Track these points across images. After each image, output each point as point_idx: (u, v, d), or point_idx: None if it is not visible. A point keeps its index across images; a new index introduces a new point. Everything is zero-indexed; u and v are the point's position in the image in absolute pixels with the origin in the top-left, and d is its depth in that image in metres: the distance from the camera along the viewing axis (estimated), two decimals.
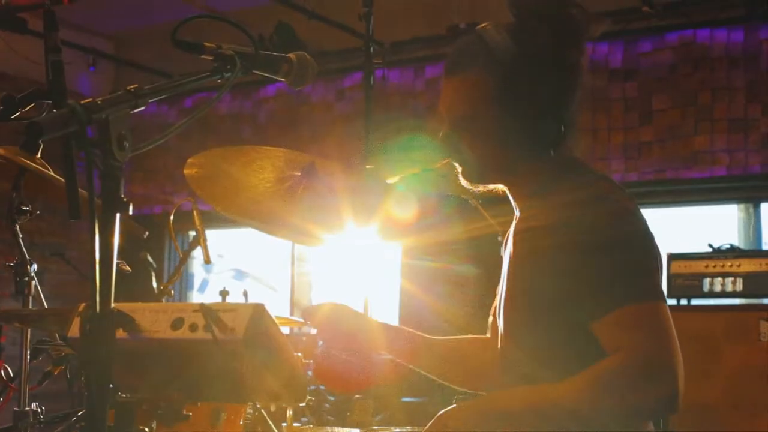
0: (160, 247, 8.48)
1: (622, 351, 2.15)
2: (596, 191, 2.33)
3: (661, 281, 2.31)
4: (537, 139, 2.38)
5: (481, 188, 2.55)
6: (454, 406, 2.37)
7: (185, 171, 3.53)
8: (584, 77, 2.45)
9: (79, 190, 1.80)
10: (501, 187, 2.54)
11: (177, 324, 2.01)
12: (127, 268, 3.38)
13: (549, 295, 2.31)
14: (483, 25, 2.43)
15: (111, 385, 1.72)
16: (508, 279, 2.49)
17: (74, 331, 2.12)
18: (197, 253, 3.83)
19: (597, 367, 2.18)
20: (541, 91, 2.36)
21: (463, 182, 2.52)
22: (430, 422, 2.36)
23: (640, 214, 2.35)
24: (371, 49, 4.54)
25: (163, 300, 3.78)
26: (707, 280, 5.82)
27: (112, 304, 1.71)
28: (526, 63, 2.35)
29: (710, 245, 6.00)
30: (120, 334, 1.85)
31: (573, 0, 2.41)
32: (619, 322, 2.18)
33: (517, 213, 2.53)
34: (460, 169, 2.51)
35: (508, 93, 2.35)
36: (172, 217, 3.88)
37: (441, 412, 2.37)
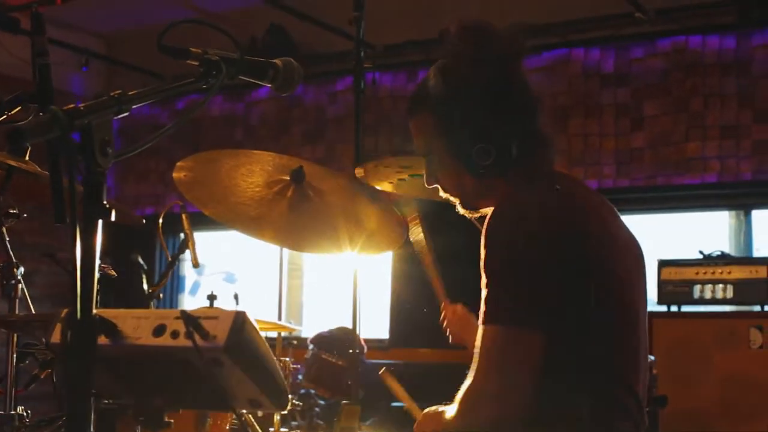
0: (151, 248, 8.45)
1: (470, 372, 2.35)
2: (501, 213, 2.40)
3: (538, 308, 2.32)
4: (493, 161, 2.46)
5: (478, 214, 2.67)
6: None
7: (174, 174, 3.53)
8: (528, 92, 2.53)
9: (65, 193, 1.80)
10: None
11: (159, 331, 2.01)
12: (113, 272, 3.37)
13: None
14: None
15: (93, 392, 1.71)
16: None
17: (56, 336, 2.12)
18: (188, 255, 3.82)
19: None
20: (473, 116, 2.45)
21: (462, 211, 2.66)
22: None
23: (550, 234, 2.35)
24: (362, 52, 4.54)
25: (152, 302, 3.77)
26: (698, 287, 5.81)
27: (94, 310, 1.70)
28: (452, 94, 2.48)
29: (701, 252, 6.00)
30: (102, 340, 1.84)
31: (486, 23, 2.53)
32: (478, 340, 2.34)
33: None
34: (455, 201, 2.65)
35: (444, 125, 2.50)
36: (161, 221, 3.87)
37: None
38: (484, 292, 2.34)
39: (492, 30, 2.50)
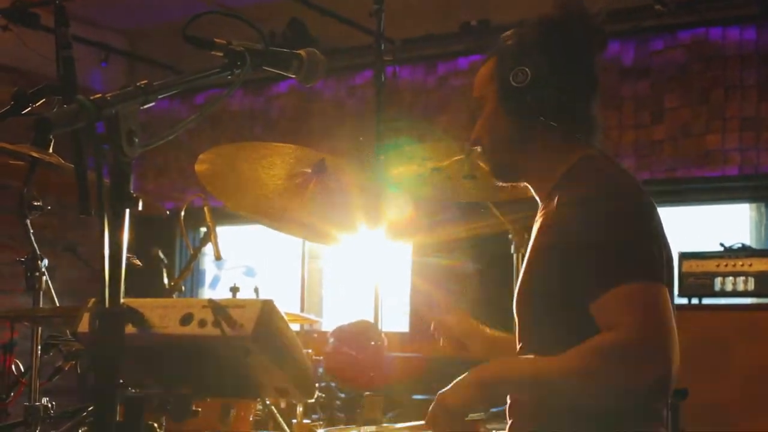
0: (171, 243, 8.48)
1: (616, 329, 2.19)
2: (599, 182, 2.41)
3: (662, 269, 2.32)
4: (528, 108, 2.48)
5: (508, 184, 2.67)
6: (452, 384, 2.40)
7: (196, 167, 3.53)
8: (594, 77, 2.56)
9: (90, 185, 1.81)
10: (523, 184, 2.65)
11: (186, 320, 2.01)
12: (137, 262, 3.39)
13: (552, 283, 2.38)
14: None
15: (120, 381, 1.72)
16: (522, 272, 2.53)
17: (83, 326, 2.12)
18: (208, 249, 3.83)
19: (591, 341, 2.22)
20: (526, 60, 2.47)
21: (494, 177, 2.66)
22: (432, 405, 2.40)
23: (650, 206, 2.40)
24: (382, 46, 4.54)
25: (174, 296, 3.78)
26: (719, 280, 5.79)
27: (122, 300, 1.71)
28: (520, 46, 2.51)
29: (722, 244, 5.97)
30: (129, 329, 1.85)
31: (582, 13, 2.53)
32: (613, 301, 2.22)
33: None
34: (488, 168, 2.65)
35: (500, 68, 2.51)
36: (183, 214, 3.88)
37: (440, 392, 2.41)
38: (598, 254, 2.28)
39: (584, 13, 2.52)
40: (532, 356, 2.37)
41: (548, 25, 2.51)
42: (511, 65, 2.48)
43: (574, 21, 2.50)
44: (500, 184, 2.69)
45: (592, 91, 2.56)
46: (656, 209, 2.41)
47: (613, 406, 2.24)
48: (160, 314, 2.04)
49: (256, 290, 4.53)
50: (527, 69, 2.45)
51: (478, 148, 2.63)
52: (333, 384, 5.43)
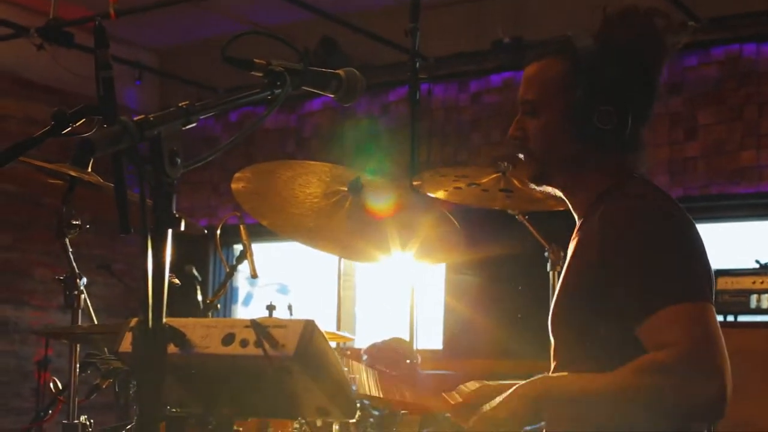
0: (204, 260, 8.51)
1: (668, 348, 2.16)
2: (642, 203, 2.39)
3: (709, 288, 2.31)
4: (598, 137, 2.44)
5: (543, 190, 2.62)
6: (497, 400, 2.37)
7: (232, 186, 3.55)
8: (658, 98, 2.54)
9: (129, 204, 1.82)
10: (558, 194, 2.61)
11: (228, 340, 2.02)
12: (177, 281, 3.40)
13: (590, 303, 2.36)
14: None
15: (162, 400, 1.73)
16: (558, 290, 2.51)
17: (125, 346, 2.13)
18: (242, 266, 3.84)
19: (643, 359, 2.19)
20: (613, 82, 2.42)
21: (530, 180, 2.61)
22: (476, 418, 2.39)
23: (690, 226, 2.38)
24: (417, 64, 4.55)
25: (209, 314, 3.80)
26: (754, 297, 5.75)
27: (164, 320, 1.72)
28: (601, 59, 2.43)
29: (757, 261, 5.93)
30: (171, 349, 1.86)
31: (659, 11, 2.48)
32: (662, 322, 2.19)
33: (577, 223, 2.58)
34: (527, 171, 2.59)
35: (578, 78, 2.44)
36: (219, 232, 3.89)
37: (484, 408, 2.39)
38: (643, 276, 2.26)
39: (654, 22, 2.48)
40: (583, 373, 2.33)
41: (629, 52, 2.45)
42: (591, 97, 2.42)
43: (654, 48, 2.48)
44: (534, 188, 2.67)
45: (651, 116, 2.55)
46: (696, 228, 2.39)
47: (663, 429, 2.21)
48: (202, 334, 2.04)
49: (290, 308, 4.54)
50: (611, 109, 2.41)
51: (521, 156, 2.59)
52: (366, 402, 5.42)
